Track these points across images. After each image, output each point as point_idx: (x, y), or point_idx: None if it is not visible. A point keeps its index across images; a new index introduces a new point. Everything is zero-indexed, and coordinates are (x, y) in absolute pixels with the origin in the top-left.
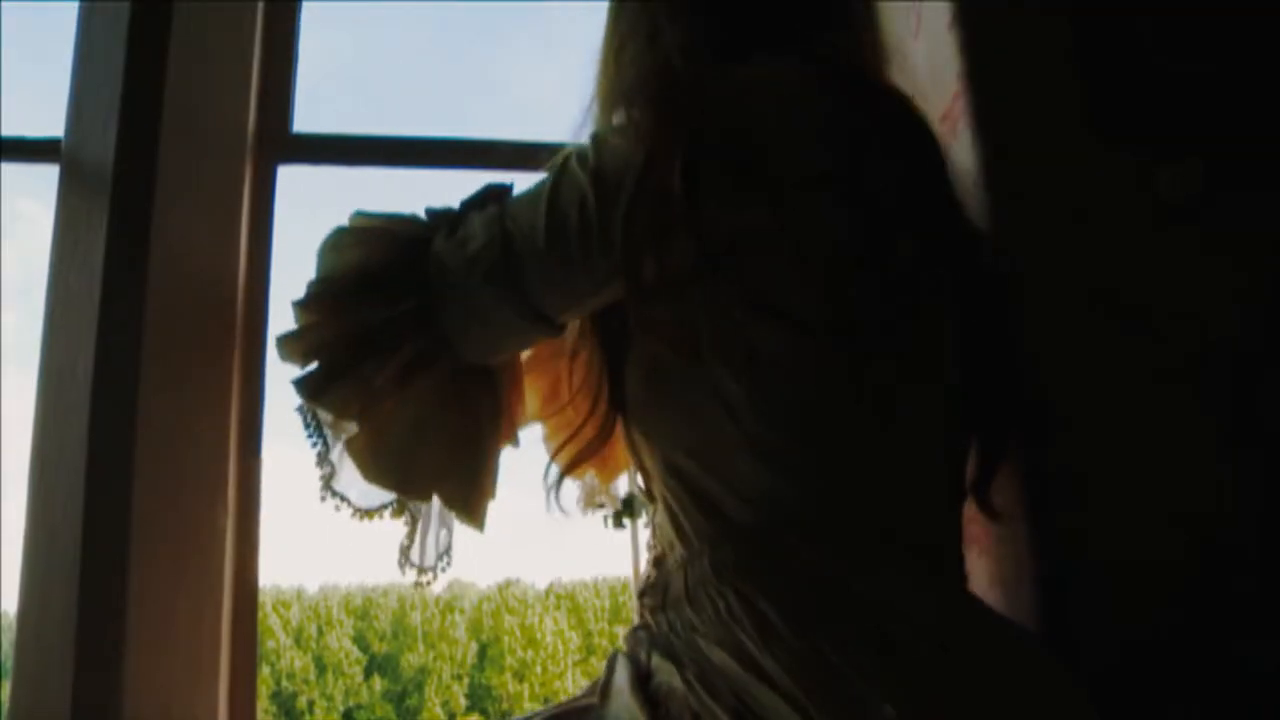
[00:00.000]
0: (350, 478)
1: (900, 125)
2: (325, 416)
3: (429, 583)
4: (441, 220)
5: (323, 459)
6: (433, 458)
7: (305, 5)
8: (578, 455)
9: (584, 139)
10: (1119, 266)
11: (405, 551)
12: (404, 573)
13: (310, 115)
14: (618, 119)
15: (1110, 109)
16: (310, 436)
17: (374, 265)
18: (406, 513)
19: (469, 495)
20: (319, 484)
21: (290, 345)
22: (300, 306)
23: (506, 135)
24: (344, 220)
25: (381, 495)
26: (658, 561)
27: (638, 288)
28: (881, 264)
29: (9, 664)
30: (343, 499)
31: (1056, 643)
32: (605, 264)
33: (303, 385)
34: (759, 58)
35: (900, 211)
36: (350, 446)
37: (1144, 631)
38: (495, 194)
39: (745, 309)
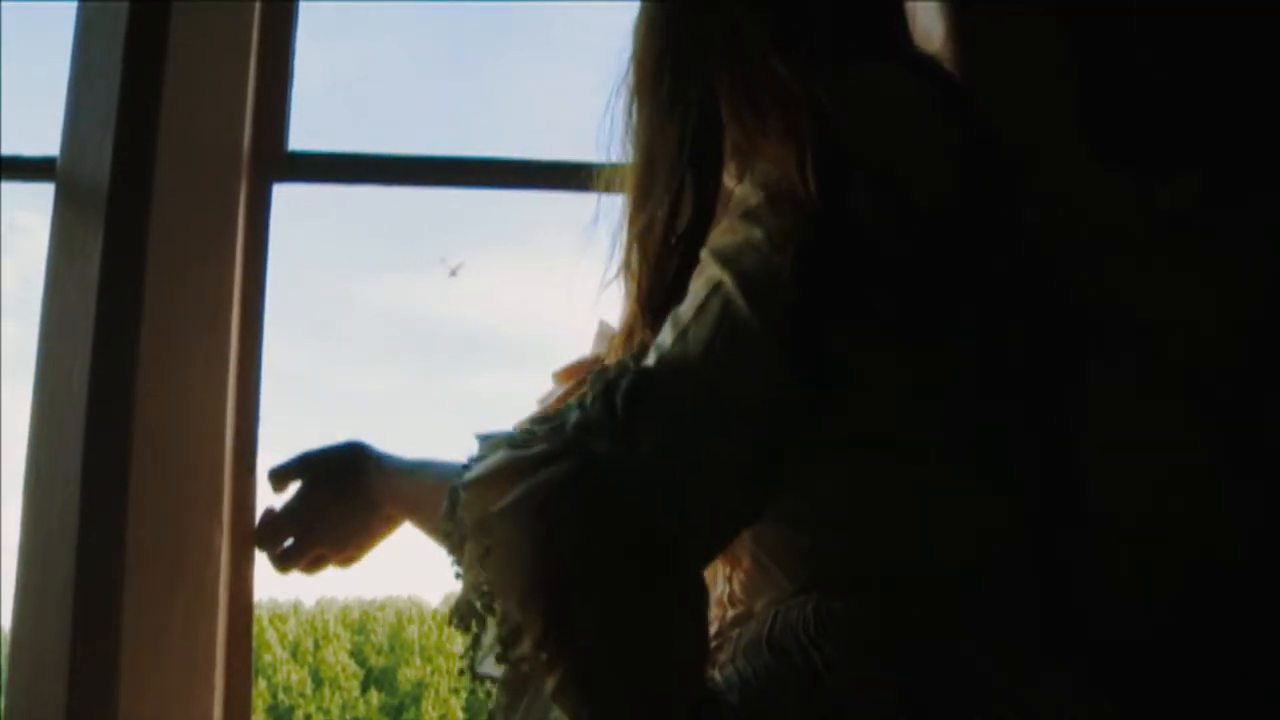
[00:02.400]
0: None
1: (997, 150)
2: None
3: None
4: (584, 436)
5: None
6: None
7: (301, 22)
8: None
9: (619, 148)
10: (1113, 280)
11: None
12: None
13: (308, 133)
14: (669, 130)
15: (1106, 124)
16: None
17: (559, 546)
18: None
19: None
20: None
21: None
22: (523, 647)
23: (508, 153)
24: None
25: None
26: (739, 620)
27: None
28: (993, 300)
29: (4, 680)
30: None
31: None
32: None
33: None
34: (857, 62)
35: (1006, 251)
36: None
37: (1141, 638)
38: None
39: (872, 346)
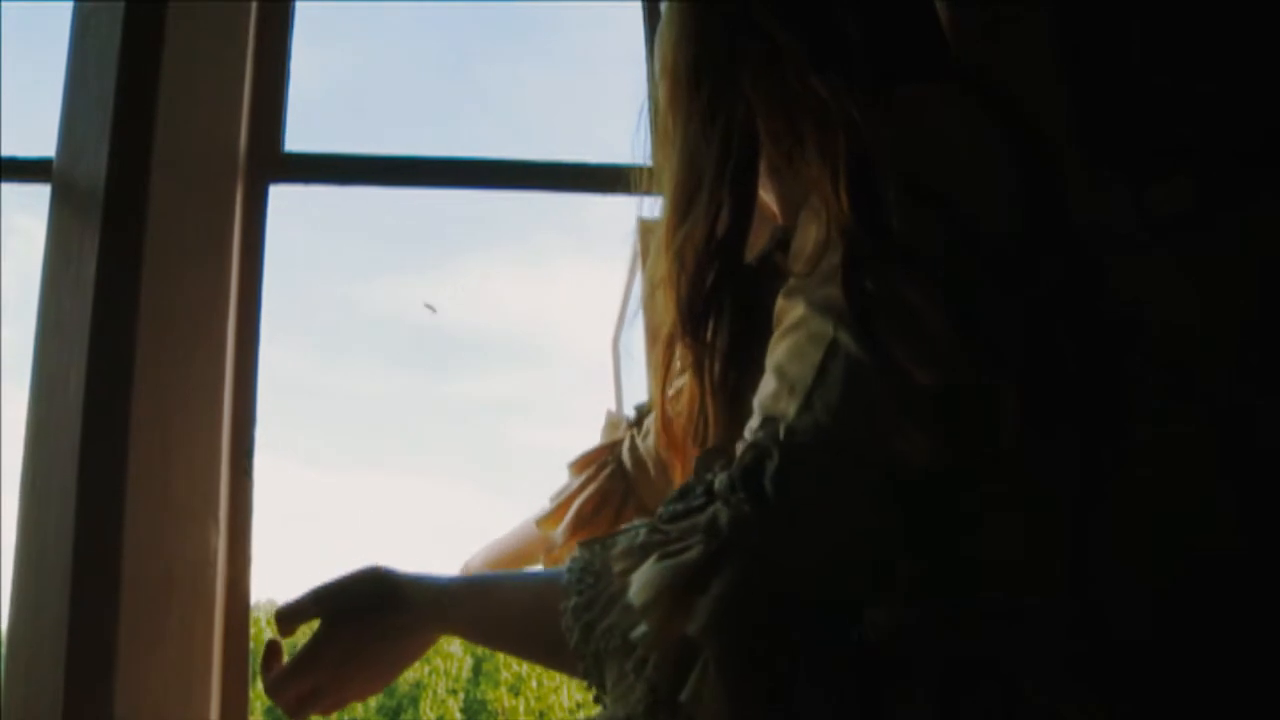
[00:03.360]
0: None
1: (1052, 163)
2: None
3: None
4: (740, 532)
5: None
6: None
7: (298, 22)
8: None
9: (653, 159)
10: (1111, 282)
11: None
12: None
13: (304, 133)
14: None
15: (1101, 127)
16: None
17: (759, 657)
18: None
19: None
20: None
21: None
22: None
23: (506, 154)
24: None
25: None
26: None
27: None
28: (1044, 317)
29: (2, 680)
30: None
31: None
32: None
33: None
34: (903, 81)
35: (1061, 266)
36: None
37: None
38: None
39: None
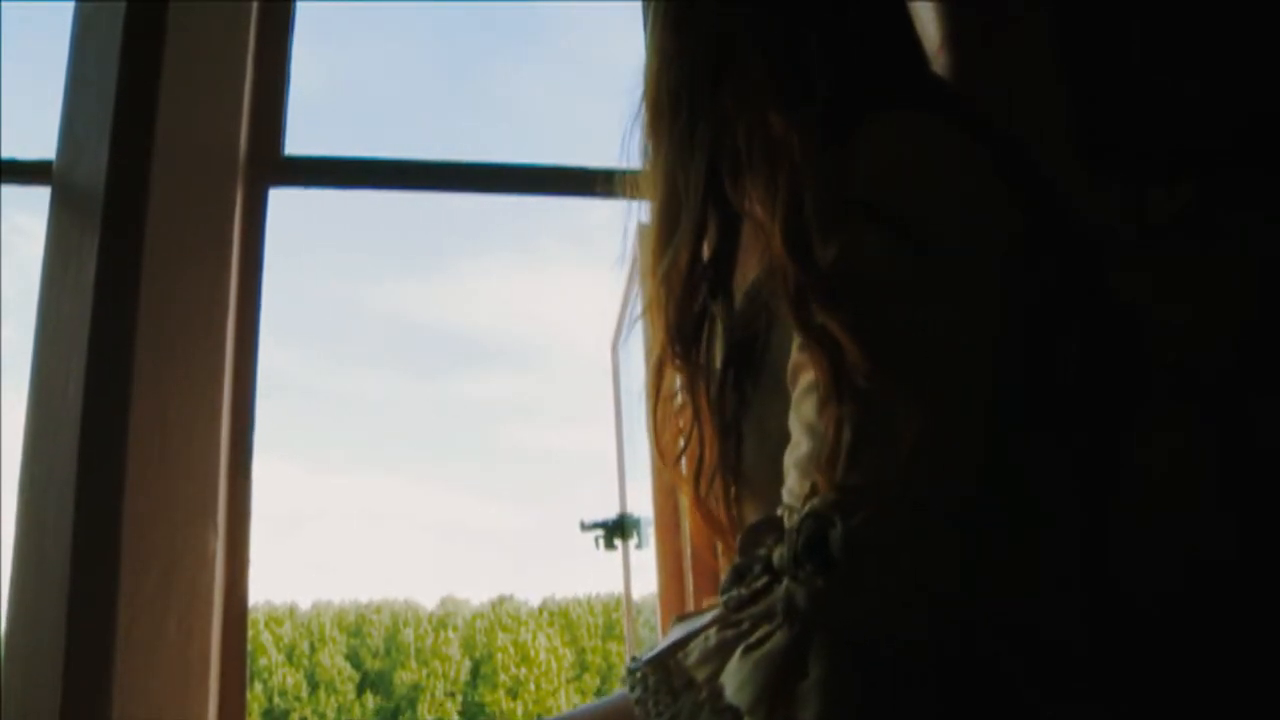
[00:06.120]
0: None
1: (1034, 177)
2: None
3: None
4: (818, 606)
5: None
6: None
7: (298, 25)
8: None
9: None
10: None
11: None
12: None
13: (307, 135)
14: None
15: (1099, 125)
16: None
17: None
18: None
19: None
20: None
21: None
22: None
23: (507, 158)
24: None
25: None
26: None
27: None
28: (1041, 327)
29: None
30: None
31: None
32: None
33: None
34: (874, 109)
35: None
36: None
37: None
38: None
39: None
